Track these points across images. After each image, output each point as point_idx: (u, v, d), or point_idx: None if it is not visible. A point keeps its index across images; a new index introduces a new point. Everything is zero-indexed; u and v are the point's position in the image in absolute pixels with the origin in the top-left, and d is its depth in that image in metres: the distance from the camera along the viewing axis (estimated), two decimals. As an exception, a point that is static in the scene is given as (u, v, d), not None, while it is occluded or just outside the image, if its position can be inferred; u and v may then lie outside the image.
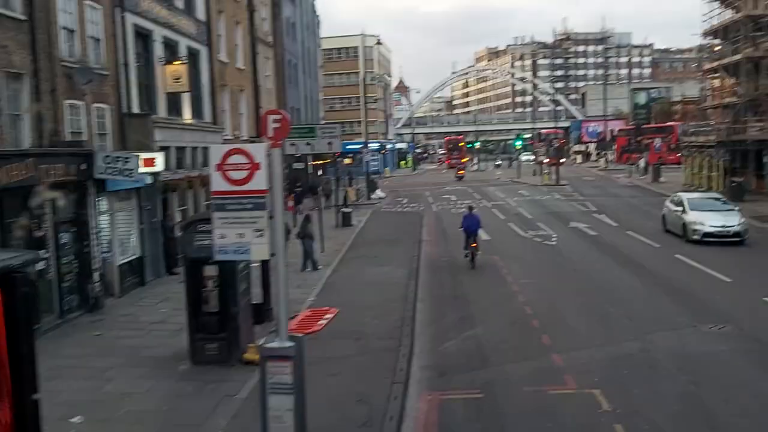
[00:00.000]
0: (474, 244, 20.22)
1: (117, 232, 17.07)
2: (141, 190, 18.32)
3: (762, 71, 33.65)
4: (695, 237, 21.88)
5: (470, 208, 22.01)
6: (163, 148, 20.49)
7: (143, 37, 20.68)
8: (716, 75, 38.83)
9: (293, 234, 21.36)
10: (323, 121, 51.77)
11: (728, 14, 36.13)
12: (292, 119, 43.10)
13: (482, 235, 25.73)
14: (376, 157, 74.62)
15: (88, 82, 16.20)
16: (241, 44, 31.59)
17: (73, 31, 16.25)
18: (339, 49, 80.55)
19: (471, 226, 20.54)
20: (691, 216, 22.46)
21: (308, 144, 28.72)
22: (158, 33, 21.40)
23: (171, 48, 22.55)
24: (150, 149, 19.02)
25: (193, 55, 24.85)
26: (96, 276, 15.47)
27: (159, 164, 19.00)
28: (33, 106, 14.31)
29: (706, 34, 37.71)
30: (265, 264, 14.05)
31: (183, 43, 23.53)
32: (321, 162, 50.49)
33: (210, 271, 11.87)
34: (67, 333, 13.74)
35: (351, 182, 46.87)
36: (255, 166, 6.84)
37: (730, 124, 34.61)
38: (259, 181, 6.95)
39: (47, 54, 14.98)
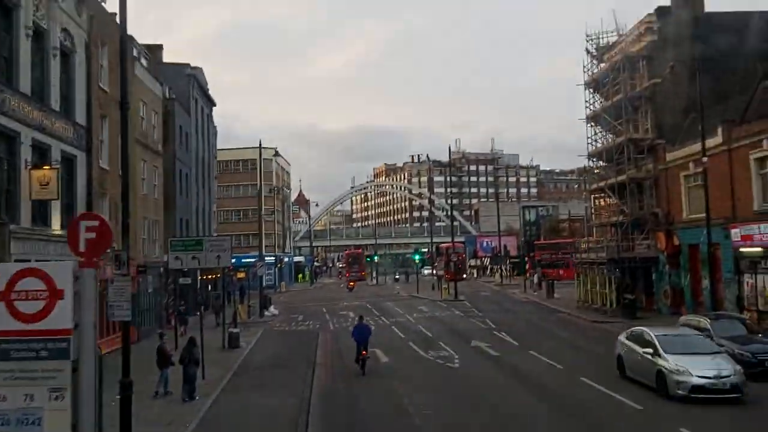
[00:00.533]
0: (365, 352, 21.29)
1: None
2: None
3: (645, 191, 35.19)
4: (680, 392, 15.92)
5: (360, 318, 24.12)
6: (23, 262, 18.04)
7: (8, 138, 18.64)
8: (602, 195, 40.46)
9: (175, 359, 18.97)
10: (215, 234, 49.65)
11: (609, 137, 38.12)
12: (182, 231, 41.02)
13: (381, 356, 24.28)
14: (271, 271, 72.57)
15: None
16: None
17: None
18: (237, 161, 79.71)
19: (362, 335, 21.71)
20: (671, 362, 16.45)
21: (194, 258, 26.79)
22: (27, 135, 19.42)
23: (41, 152, 20.53)
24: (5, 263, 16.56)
25: (68, 161, 22.84)
26: None
27: (12, 281, 16.48)
28: None
29: (591, 156, 39.51)
30: (124, 388, 11.83)
31: (56, 147, 21.56)
32: (212, 276, 47.87)
33: None
34: None
35: (243, 298, 44.39)
36: (56, 294, 4.98)
37: (618, 241, 35.60)
38: (60, 317, 4.94)
39: None
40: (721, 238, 27.73)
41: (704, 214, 26.40)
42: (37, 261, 19.24)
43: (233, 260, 66.01)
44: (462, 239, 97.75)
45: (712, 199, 26.59)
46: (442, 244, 73.42)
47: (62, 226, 21.62)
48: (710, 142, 27.49)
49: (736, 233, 27.33)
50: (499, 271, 72.35)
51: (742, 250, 27.34)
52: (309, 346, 27.97)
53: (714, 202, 26.66)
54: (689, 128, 33.45)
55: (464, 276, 72.24)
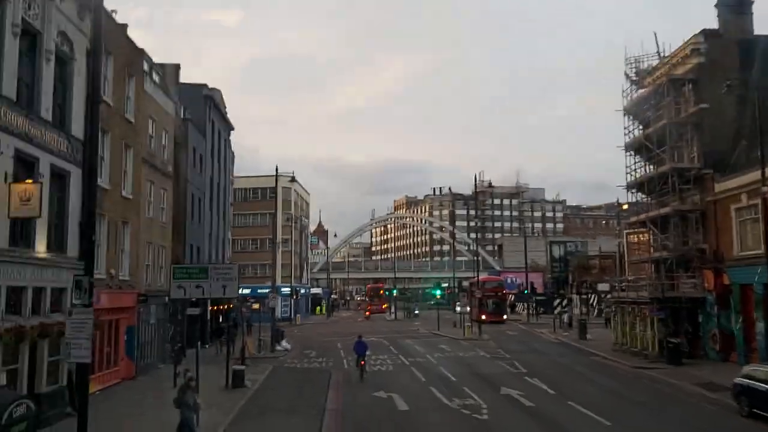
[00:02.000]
0: (362, 362, 27.94)
1: None
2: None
3: (690, 225, 32.30)
4: None
5: (360, 336, 30.12)
6: (-11, 287, 15.76)
7: (-16, 146, 16.50)
8: (639, 229, 37.56)
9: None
10: (228, 262, 47.36)
11: (651, 168, 35.41)
12: (192, 259, 38.75)
13: (399, 403, 21.57)
14: (286, 303, 70.00)
15: None
16: (131, 170, 27.68)
17: None
18: (255, 189, 77.94)
19: (360, 349, 28.51)
20: None
21: (198, 287, 24.42)
22: (8, 144, 17.27)
23: (26, 164, 18.36)
24: (-35, 288, 14.28)
25: (60, 176, 20.69)
26: None
27: (-27, 309, 14.17)
28: None
29: (629, 187, 36.72)
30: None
31: (45, 160, 19.40)
32: (225, 307, 45.52)
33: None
34: None
35: (250, 330, 41.80)
36: None
37: (662, 279, 32.60)
38: None
39: None
40: (778, 278, 24.85)
41: (759, 251, 23.64)
42: (8, 286, 17.02)
43: (248, 290, 64.04)
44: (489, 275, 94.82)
45: (770, 234, 23.80)
46: (475, 278, 63.51)
47: (48, 248, 19.40)
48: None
49: (797, 273, 24.41)
50: (526, 309, 69.14)
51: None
52: (320, 387, 25.29)
53: (772, 238, 23.87)
54: (740, 157, 30.69)
55: (504, 317, 62.18)
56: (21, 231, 18.11)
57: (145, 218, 29.81)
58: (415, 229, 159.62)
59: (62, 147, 20.62)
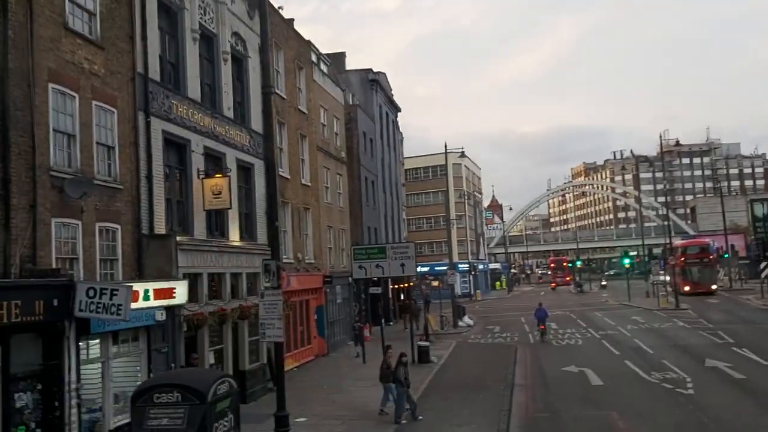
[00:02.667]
0: (542, 326, 30.99)
1: (112, 385, 13.27)
2: (152, 328, 14.70)
3: None
4: None
5: (540, 303, 32.74)
6: (192, 275, 17.13)
7: (177, 146, 17.90)
8: None
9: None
10: (405, 242, 48.13)
11: None
12: (370, 240, 39.82)
13: (593, 378, 20.48)
14: (465, 279, 70.01)
15: (83, 196, 13.11)
16: (308, 159, 28.86)
17: (72, 135, 13.41)
18: (426, 168, 78.51)
19: (540, 315, 31.31)
20: None
21: (378, 266, 24.99)
22: (198, 143, 18.63)
23: (215, 160, 19.71)
24: (171, 277, 15.62)
25: (245, 169, 22.04)
26: (68, 448, 11.54)
27: (180, 295, 15.46)
28: (-4, 225, 11.19)
29: None
30: (281, 423, 9.80)
31: (231, 155, 20.73)
32: (405, 285, 46.39)
33: (169, 468, 7.68)
34: None
35: (428, 307, 42.11)
36: None
37: None
38: None
39: (26, 161, 12.03)
40: None
41: None
42: (209, 273, 18.40)
43: (425, 268, 64.75)
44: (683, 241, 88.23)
45: None
46: (672, 244, 56.86)
47: (240, 237, 20.77)
48: None
49: None
50: (728, 274, 63.21)
51: None
52: (507, 362, 24.78)
53: None
54: None
55: (713, 287, 53.91)
56: (216, 222, 19.51)
57: (324, 203, 31.02)
58: (595, 197, 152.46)
59: (245, 141, 21.91)
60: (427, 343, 26.58)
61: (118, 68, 15.19)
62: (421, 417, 16.13)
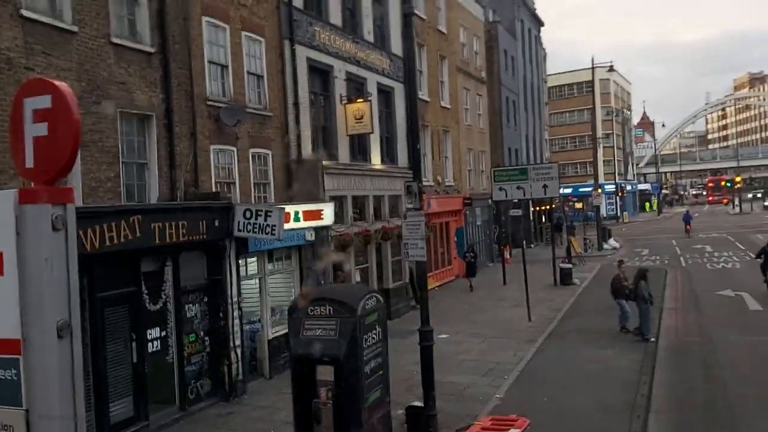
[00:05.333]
0: (688, 227, 37.97)
1: (268, 299, 14.39)
2: (302, 248, 15.63)
3: None
4: None
5: (687, 209, 35.36)
6: (337, 198, 17.86)
7: (321, 73, 18.38)
8: None
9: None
10: (547, 162, 46.79)
11: None
12: (510, 161, 39.17)
13: (751, 303, 19.33)
14: (611, 201, 67.24)
15: (237, 124, 13.94)
16: (447, 80, 28.53)
17: (225, 66, 14.18)
18: (570, 84, 74.97)
19: (686, 218, 37.17)
20: None
21: (519, 188, 24.60)
22: (340, 69, 18.99)
23: (357, 85, 20.06)
24: (319, 199, 16.40)
25: (385, 93, 22.26)
26: (234, 355, 12.79)
27: (327, 217, 16.22)
28: (162, 152, 12.23)
29: None
30: (426, 338, 10.28)
31: (372, 80, 20.98)
32: (547, 207, 45.47)
33: (324, 374, 8.34)
34: None
35: (573, 230, 41.02)
36: None
37: None
38: None
39: (186, 92, 12.93)
40: None
41: None
42: (353, 195, 19.08)
43: (569, 190, 62.86)
44: None
45: None
46: None
47: (381, 161, 21.23)
48: None
49: None
50: None
51: None
52: (656, 285, 23.81)
53: None
54: None
55: None
56: (358, 146, 20.05)
57: (464, 125, 30.74)
58: (762, 110, 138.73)
59: (385, 65, 22.03)
60: (569, 265, 26.16)
61: (263, -2, 15.68)
62: (652, 339, 15.55)
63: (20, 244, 1.68)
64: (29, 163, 1.82)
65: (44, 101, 1.85)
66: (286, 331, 14.83)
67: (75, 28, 10.41)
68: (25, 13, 9.66)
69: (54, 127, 1.82)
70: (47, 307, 1.59)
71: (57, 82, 1.86)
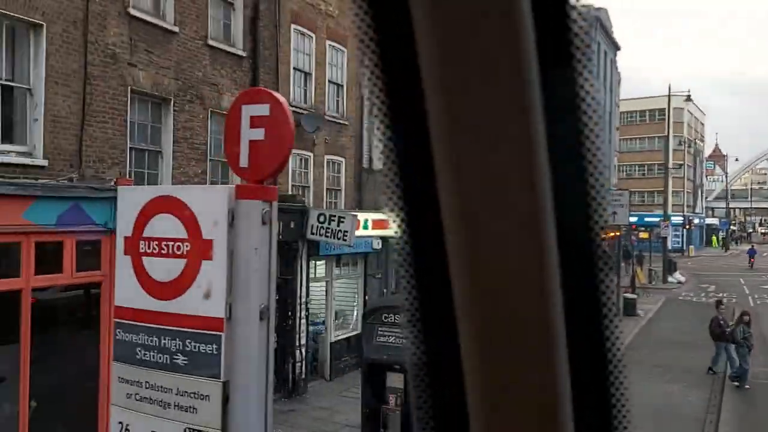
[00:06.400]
0: (752, 260, 33.14)
1: (333, 303, 14.63)
2: (369, 256, 15.83)
3: None
4: None
5: (752, 244, 35.37)
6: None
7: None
8: None
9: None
10: (616, 189, 45.88)
11: None
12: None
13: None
14: (677, 233, 65.33)
15: (315, 131, 14.28)
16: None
17: (308, 73, 14.57)
18: (643, 111, 73.41)
19: (750, 253, 33.11)
20: None
21: (586, 213, 24.33)
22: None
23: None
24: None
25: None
26: (299, 354, 13.06)
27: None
28: (245, 153, 12.64)
29: None
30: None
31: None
32: (612, 235, 44.50)
33: (394, 381, 8.46)
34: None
35: (640, 261, 40.05)
36: (200, 249, 2.13)
37: None
38: (205, 294, 2.10)
39: (271, 97, 13.33)
40: None
41: None
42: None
43: (634, 218, 61.55)
44: None
45: None
46: None
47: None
48: None
49: None
50: None
51: None
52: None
53: None
54: None
55: None
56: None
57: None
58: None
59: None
60: (634, 296, 25.61)
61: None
62: (747, 386, 14.88)
63: (233, 234, 1.86)
64: (243, 162, 2.02)
65: (263, 109, 2.05)
66: (348, 335, 15.13)
67: (176, 29, 10.90)
68: (132, 11, 10.18)
69: (270, 133, 2.02)
70: (253, 291, 1.76)
71: (275, 94, 2.06)
